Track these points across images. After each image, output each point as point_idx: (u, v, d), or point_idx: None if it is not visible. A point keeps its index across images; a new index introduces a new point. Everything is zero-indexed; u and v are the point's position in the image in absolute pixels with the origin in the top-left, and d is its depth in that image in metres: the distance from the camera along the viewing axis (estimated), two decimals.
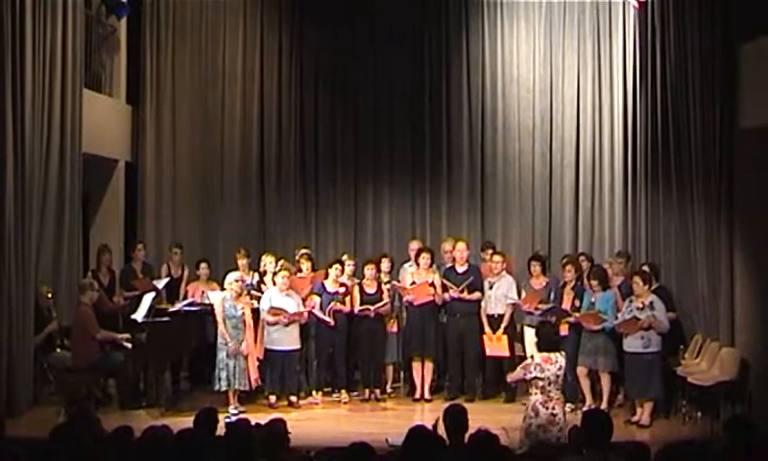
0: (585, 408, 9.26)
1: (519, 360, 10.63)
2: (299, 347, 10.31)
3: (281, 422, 5.86)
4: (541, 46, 12.75)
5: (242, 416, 8.47)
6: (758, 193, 9.58)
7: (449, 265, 10.91)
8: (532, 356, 7.84)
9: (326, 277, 10.64)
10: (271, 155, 13.11)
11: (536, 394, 7.63)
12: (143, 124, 12.57)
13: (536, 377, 7.62)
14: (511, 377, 8.25)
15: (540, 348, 7.77)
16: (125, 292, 11.04)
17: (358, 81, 13.08)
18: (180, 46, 12.83)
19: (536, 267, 10.60)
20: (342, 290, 10.55)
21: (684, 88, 10.53)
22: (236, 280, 10.04)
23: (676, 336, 9.89)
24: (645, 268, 10.14)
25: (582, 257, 11.03)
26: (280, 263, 10.71)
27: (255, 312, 10.26)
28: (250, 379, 9.90)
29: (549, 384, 7.59)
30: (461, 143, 12.90)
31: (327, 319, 10.41)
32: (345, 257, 11.01)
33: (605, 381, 9.77)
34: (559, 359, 7.68)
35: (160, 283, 10.99)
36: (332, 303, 10.43)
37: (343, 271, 10.67)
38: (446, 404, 6.35)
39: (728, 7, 10.00)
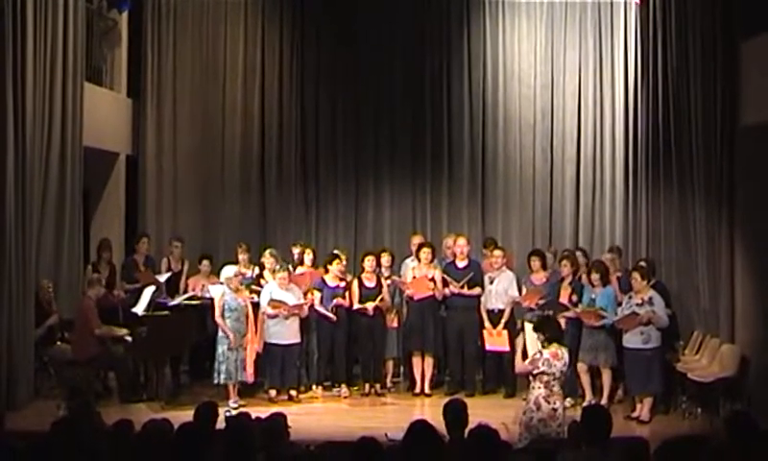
0: (584, 404, 9.28)
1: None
2: (298, 341, 10.30)
3: (281, 416, 5.87)
4: (543, 42, 12.75)
5: (242, 410, 8.49)
6: (759, 190, 9.57)
7: (450, 260, 10.92)
8: (540, 352, 7.83)
9: (327, 272, 10.64)
10: (271, 149, 13.10)
11: (539, 388, 7.64)
12: (144, 117, 12.58)
13: (543, 372, 7.64)
14: (519, 369, 8.27)
15: (548, 341, 7.77)
16: (126, 284, 11.05)
17: (359, 76, 13.06)
18: (181, 40, 12.83)
19: (535, 262, 10.59)
20: (342, 285, 10.55)
21: (686, 85, 10.52)
22: (236, 275, 10.05)
23: (672, 332, 9.89)
24: (642, 264, 10.13)
25: (578, 252, 11.03)
26: (278, 265, 10.62)
27: (255, 306, 10.27)
28: (247, 372, 9.94)
29: (554, 380, 7.62)
30: (462, 138, 12.89)
31: (330, 314, 10.40)
32: (336, 252, 10.98)
33: (606, 377, 9.77)
34: (564, 355, 7.70)
35: (162, 277, 11.01)
36: (336, 299, 10.43)
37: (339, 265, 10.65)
38: (446, 399, 6.35)
39: (729, 3, 9.98)
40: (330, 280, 10.55)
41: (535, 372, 7.70)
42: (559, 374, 7.63)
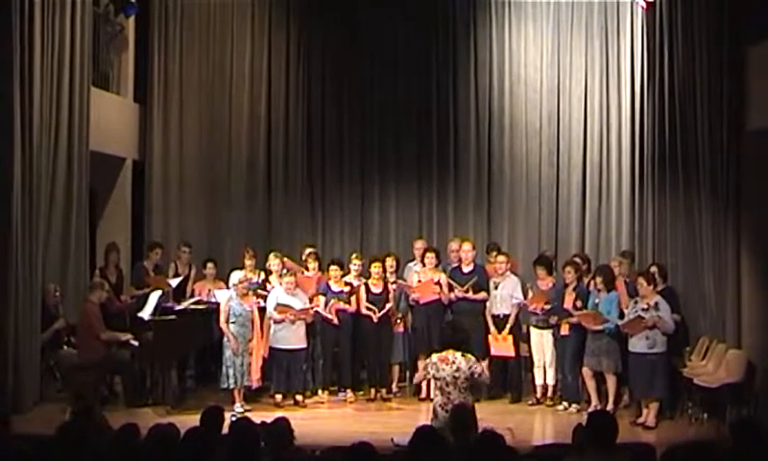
0: (590, 409, 9.27)
1: (524, 360, 10.70)
2: (304, 346, 10.32)
3: (286, 420, 5.87)
4: (549, 46, 12.74)
5: (247, 414, 8.50)
6: (765, 195, 9.56)
7: (455, 265, 10.92)
8: (430, 356, 7.79)
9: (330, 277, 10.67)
10: (278, 153, 13.12)
11: (437, 396, 7.57)
12: (151, 122, 12.59)
13: (433, 378, 7.58)
14: (416, 379, 8.46)
15: (442, 347, 7.70)
16: (136, 290, 11.06)
17: (365, 80, 13.09)
18: (188, 45, 12.85)
19: (540, 271, 10.55)
20: (347, 289, 10.55)
21: (692, 90, 10.52)
22: (241, 281, 10.07)
23: (680, 338, 9.87)
24: (653, 269, 10.12)
25: (578, 258, 10.99)
26: (285, 269, 10.64)
27: (261, 311, 10.28)
28: (252, 377, 9.94)
29: (447, 385, 7.47)
30: (468, 143, 12.90)
31: (331, 316, 10.41)
32: (353, 257, 11.00)
33: (611, 383, 9.75)
34: (457, 360, 7.51)
35: (174, 282, 11.03)
36: (333, 301, 10.44)
37: (342, 271, 10.67)
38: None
39: (736, 8, 9.98)
40: (335, 285, 10.56)
41: (426, 377, 7.66)
42: (450, 378, 7.46)
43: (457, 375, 7.46)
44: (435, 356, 7.59)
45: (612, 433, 5.28)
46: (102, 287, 10.11)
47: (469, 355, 7.66)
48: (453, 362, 7.48)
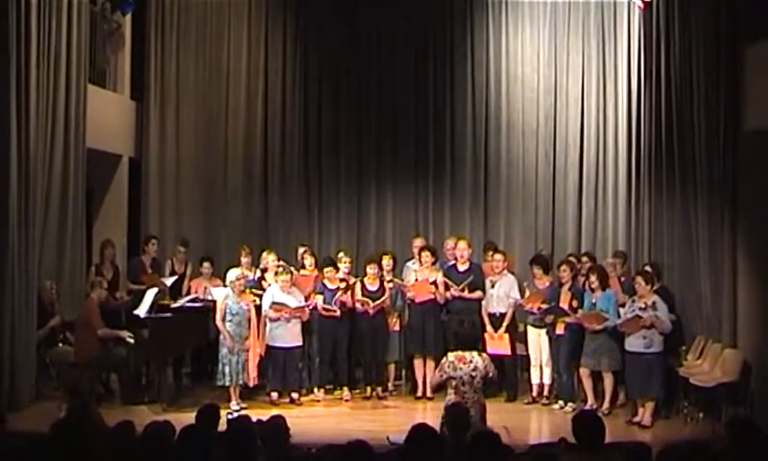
0: (586, 408, 9.26)
1: (520, 359, 10.69)
2: (300, 343, 10.32)
3: (282, 418, 5.87)
4: (546, 46, 12.77)
5: (243, 412, 8.49)
6: (762, 195, 9.55)
7: (451, 263, 10.92)
8: (447, 355, 7.80)
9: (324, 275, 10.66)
10: (274, 151, 13.12)
11: (450, 394, 7.57)
12: (147, 120, 12.59)
13: (449, 377, 7.58)
14: (431, 382, 8.25)
15: (458, 348, 7.71)
16: (132, 285, 11.06)
17: (362, 79, 13.09)
18: (185, 42, 12.84)
19: (537, 270, 10.56)
20: (342, 286, 10.55)
21: (689, 89, 10.51)
22: (238, 278, 10.08)
23: (676, 337, 9.87)
24: (647, 268, 10.13)
25: (585, 258, 11.01)
26: (281, 269, 10.63)
27: (257, 309, 10.27)
28: (249, 375, 9.94)
29: (463, 384, 7.51)
30: (465, 142, 12.92)
31: (334, 308, 10.39)
32: (340, 255, 10.99)
33: (608, 381, 9.74)
34: (474, 359, 7.57)
35: (169, 281, 11.02)
36: (339, 294, 10.44)
37: (337, 270, 10.66)
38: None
39: (733, 7, 9.97)
40: (330, 283, 10.55)
41: (443, 377, 7.67)
42: (467, 378, 7.52)
43: (474, 374, 7.53)
44: (452, 355, 7.63)
45: (600, 433, 5.25)
46: (101, 285, 10.13)
47: (485, 355, 7.78)
48: (470, 361, 7.55)
